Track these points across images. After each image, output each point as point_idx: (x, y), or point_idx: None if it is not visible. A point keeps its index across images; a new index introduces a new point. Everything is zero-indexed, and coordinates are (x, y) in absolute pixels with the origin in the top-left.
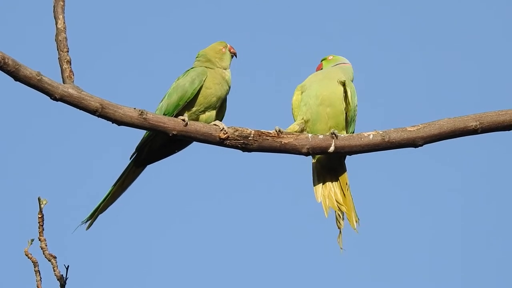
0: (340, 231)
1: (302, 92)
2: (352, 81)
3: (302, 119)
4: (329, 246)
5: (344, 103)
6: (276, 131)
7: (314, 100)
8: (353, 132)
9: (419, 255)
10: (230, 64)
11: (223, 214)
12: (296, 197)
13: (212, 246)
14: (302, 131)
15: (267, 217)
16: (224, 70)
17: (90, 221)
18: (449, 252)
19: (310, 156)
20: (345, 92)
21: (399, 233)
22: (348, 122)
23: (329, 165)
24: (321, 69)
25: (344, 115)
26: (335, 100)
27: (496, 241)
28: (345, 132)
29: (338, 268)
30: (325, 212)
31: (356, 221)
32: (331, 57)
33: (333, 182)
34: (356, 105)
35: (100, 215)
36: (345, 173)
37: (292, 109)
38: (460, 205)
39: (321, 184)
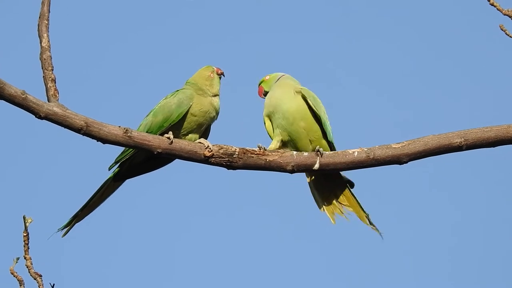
0: (368, 221)
1: (269, 118)
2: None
3: (280, 140)
4: (316, 257)
5: (311, 113)
6: (259, 148)
7: (286, 121)
8: (333, 141)
9: (406, 268)
10: (220, 88)
11: (207, 231)
12: (282, 213)
13: (194, 263)
14: (285, 146)
15: (252, 235)
16: (214, 97)
17: (66, 229)
18: (436, 266)
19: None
20: (307, 102)
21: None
22: (325, 128)
23: (325, 181)
24: (263, 92)
25: (317, 125)
26: (304, 113)
27: (482, 257)
28: (325, 143)
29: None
30: (331, 219)
31: (367, 217)
32: (268, 77)
33: (332, 188)
34: (320, 104)
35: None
36: (346, 189)
37: (268, 133)
38: (445, 222)
39: (321, 193)
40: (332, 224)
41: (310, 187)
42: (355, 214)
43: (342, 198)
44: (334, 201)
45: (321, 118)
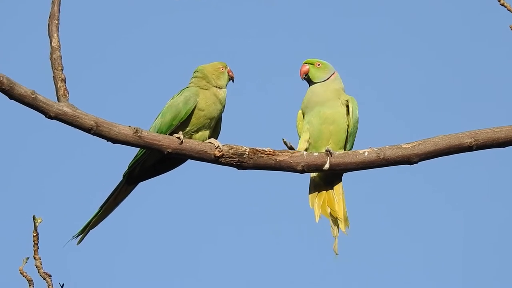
0: (335, 239)
1: (303, 111)
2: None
3: (308, 137)
4: (326, 260)
5: (347, 119)
6: (287, 145)
7: (317, 119)
8: (352, 147)
9: (413, 268)
10: (226, 85)
11: (217, 231)
12: (292, 213)
13: (206, 264)
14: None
15: (263, 235)
16: (219, 89)
17: (81, 236)
18: (443, 266)
19: None
20: (348, 108)
21: (392, 245)
22: (348, 137)
23: (326, 177)
24: (307, 73)
25: (346, 132)
26: (338, 118)
27: (488, 257)
28: (342, 149)
29: (334, 280)
30: (316, 217)
31: (347, 226)
32: (319, 64)
33: (328, 191)
34: (357, 119)
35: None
36: (340, 183)
37: (296, 121)
38: (453, 222)
39: (316, 192)
40: (315, 222)
41: (310, 182)
42: (338, 220)
43: (333, 203)
44: (326, 204)
45: (350, 130)
